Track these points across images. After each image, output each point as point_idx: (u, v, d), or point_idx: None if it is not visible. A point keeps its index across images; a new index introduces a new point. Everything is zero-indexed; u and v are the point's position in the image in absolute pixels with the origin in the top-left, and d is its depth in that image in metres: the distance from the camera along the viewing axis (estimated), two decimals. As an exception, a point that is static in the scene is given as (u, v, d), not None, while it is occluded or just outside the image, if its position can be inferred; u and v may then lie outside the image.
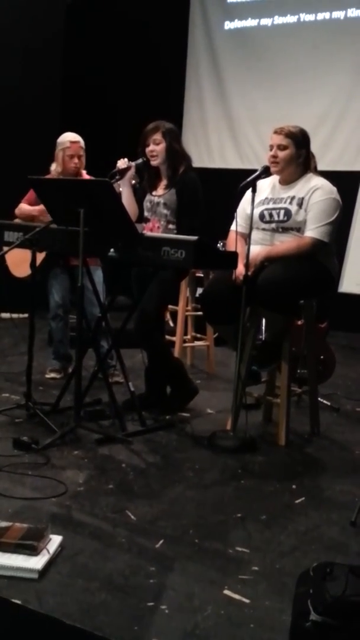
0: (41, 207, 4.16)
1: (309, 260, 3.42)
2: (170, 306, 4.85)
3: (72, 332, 4.41)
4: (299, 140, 3.50)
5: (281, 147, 3.48)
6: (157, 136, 3.78)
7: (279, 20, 7.21)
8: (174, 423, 3.73)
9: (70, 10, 7.02)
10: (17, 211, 4.44)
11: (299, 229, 3.45)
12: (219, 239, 4.76)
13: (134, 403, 3.63)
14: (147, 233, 3.67)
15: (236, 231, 3.60)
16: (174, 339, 4.91)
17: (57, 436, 3.25)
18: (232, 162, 7.45)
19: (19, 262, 4.21)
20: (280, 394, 3.60)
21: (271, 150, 3.51)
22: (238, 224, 3.61)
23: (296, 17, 7.11)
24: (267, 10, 7.24)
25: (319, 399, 3.92)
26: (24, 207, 4.41)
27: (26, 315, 3.78)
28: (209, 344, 5.03)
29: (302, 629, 1.80)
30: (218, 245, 4.81)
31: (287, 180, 3.55)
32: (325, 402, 4.19)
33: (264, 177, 3.55)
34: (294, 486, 3.00)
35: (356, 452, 3.52)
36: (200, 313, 4.15)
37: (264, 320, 4.07)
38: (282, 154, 3.47)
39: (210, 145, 7.65)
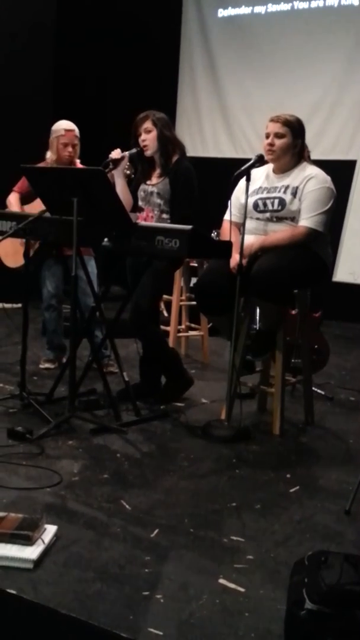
0: (29, 205, 4.18)
1: (303, 249, 3.42)
2: (164, 296, 4.84)
3: (66, 322, 4.40)
4: (296, 129, 3.48)
5: (278, 135, 3.46)
6: (148, 124, 3.76)
7: (272, 7, 7.18)
8: (169, 413, 3.73)
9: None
10: (7, 201, 4.42)
11: (293, 218, 3.44)
12: (213, 229, 4.74)
13: (129, 393, 3.63)
14: (141, 222, 3.65)
15: (230, 220, 3.58)
16: (168, 328, 4.91)
17: (52, 426, 3.25)
18: (226, 151, 7.43)
19: (12, 252, 4.20)
20: (274, 384, 3.60)
21: (267, 138, 3.49)
22: (232, 214, 3.59)
23: (290, 4, 7.08)
24: (260, -2, 7.21)
25: (313, 388, 3.93)
26: (12, 202, 4.37)
27: (20, 305, 3.77)
28: (203, 334, 5.03)
29: (297, 617, 1.80)
30: (212, 234, 4.80)
31: (282, 169, 3.54)
32: (319, 391, 4.20)
33: (258, 166, 3.53)
34: (288, 475, 3.01)
35: (350, 441, 3.53)
36: (194, 303, 4.14)
37: (258, 310, 4.07)
38: (279, 142, 3.46)
39: (204, 134, 7.62)
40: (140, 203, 3.87)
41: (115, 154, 3.76)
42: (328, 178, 3.48)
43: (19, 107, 6.41)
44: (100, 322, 3.86)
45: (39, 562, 2.12)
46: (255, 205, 3.51)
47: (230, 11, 7.42)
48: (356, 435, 3.60)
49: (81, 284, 3.73)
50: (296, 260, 3.38)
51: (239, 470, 3.04)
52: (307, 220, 3.40)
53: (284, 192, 3.46)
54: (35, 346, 4.55)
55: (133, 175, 3.88)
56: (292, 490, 2.86)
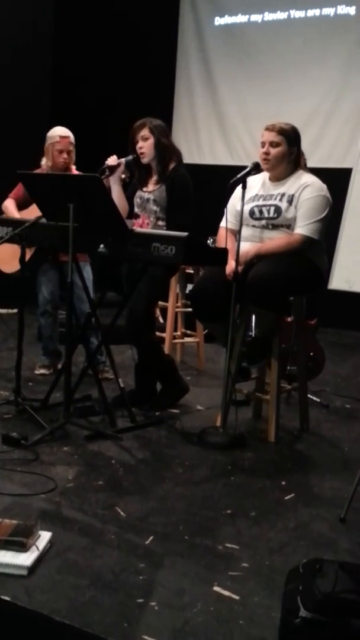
0: (26, 211, 4.19)
1: (298, 257, 3.42)
2: (160, 302, 4.84)
3: (62, 328, 4.40)
4: (291, 137, 3.49)
5: (273, 144, 3.47)
6: (145, 132, 3.77)
7: (269, 16, 7.21)
8: (164, 419, 3.73)
9: (59, 5, 6.98)
10: (3, 207, 4.42)
11: (289, 225, 3.45)
12: (209, 236, 4.76)
13: (124, 399, 3.63)
14: (137, 229, 3.66)
15: (226, 227, 3.59)
16: (164, 335, 4.91)
17: (47, 432, 3.25)
18: (222, 158, 7.45)
19: (8, 257, 4.20)
20: (269, 391, 3.60)
21: (263, 147, 3.50)
22: (228, 221, 3.60)
23: (286, 13, 7.11)
24: (257, 6, 7.24)
25: (309, 395, 3.93)
26: (9, 208, 4.38)
27: (15, 311, 3.77)
28: (198, 341, 5.03)
29: (291, 625, 1.80)
30: (208, 241, 4.81)
31: (278, 177, 3.55)
32: (314, 398, 4.20)
33: (254, 174, 3.54)
34: (283, 482, 3.01)
35: (345, 448, 3.54)
36: (190, 309, 4.15)
37: (253, 317, 4.08)
38: (274, 151, 3.47)
39: (200, 142, 7.64)
40: (136, 210, 3.88)
41: (112, 160, 3.77)
42: (324, 186, 3.49)
43: (16, 113, 6.42)
44: (95, 329, 3.86)
45: (33, 568, 2.11)
46: (252, 213, 3.52)
47: (227, 19, 7.45)
48: (351, 443, 3.60)
49: (77, 290, 3.73)
50: (292, 267, 3.39)
51: (234, 477, 3.04)
52: (303, 228, 3.41)
53: (280, 199, 3.47)
54: (31, 352, 4.54)
55: (128, 180, 3.89)
56: (287, 498, 2.85)
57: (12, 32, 6.51)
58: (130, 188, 3.90)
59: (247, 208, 3.50)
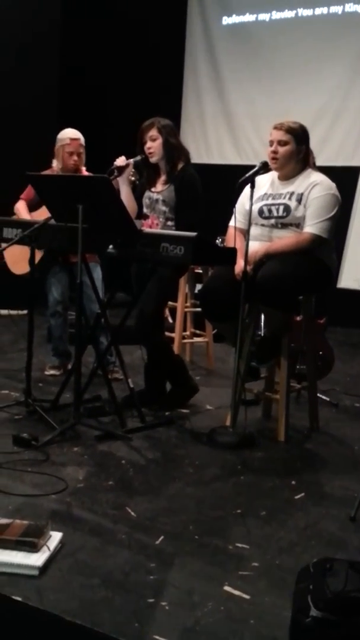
0: (36, 213, 4.21)
1: (308, 256, 3.42)
2: (169, 302, 4.84)
3: (71, 329, 4.41)
4: (300, 136, 3.49)
5: (282, 143, 3.47)
6: (153, 132, 3.77)
7: (276, 15, 7.19)
8: (174, 419, 3.73)
9: (67, 6, 7.00)
10: (15, 209, 4.44)
11: (298, 224, 3.45)
12: (218, 235, 4.76)
13: (134, 399, 3.63)
14: (146, 229, 3.66)
15: (235, 227, 3.59)
16: (173, 335, 4.91)
17: (57, 433, 3.25)
18: (231, 157, 7.44)
19: (18, 259, 4.21)
20: (279, 390, 3.60)
21: (271, 145, 3.50)
22: (237, 220, 3.60)
23: (294, 12, 7.09)
24: (265, 5, 7.22)
25: (318, 394, 3.92)
26: (21, 210, 4.39)
27: (25, 312, 3.78)
28: (208, 340, 5.03)
29: (302, 624, 1.80)
30: (217, 241, 4.81)
31: (287, 176, 3.55)
32: (324, 397, 4.19)
33: (262, 173, 3.54)
34: (293, 482, 3.01)
35: (355, 447, 3.53)
36: (199, 309, 4.15)
37: (262, 316, 4.07)
38: (282, 150, 3.47)
39: (209, 141, 7.63)
40: (145, 210, 3.88)
41: (120, 161, 3.78)
42: (333, 185, 3.49)
43: (25, 114, 6.43)
44: (105, 329, 3.87)
45: (44, 569, 2.12)
46: (260, 212, 3.52)
47: (235, 19, 7.44)
48: (361, 442, 3.60)
49: (86, 290, 3.74)
50: (301, 266, 3.38)
51: (243, 476, 3.04)
52: (312, 226, 3.41)
53: (289, 198, 3.47)
54: (41, 353, 4.55)
55: (137, 182, 3.90)
56: (297, 497, 2.85)
57: (19, 34, 6.53)
58: (139, 188, 3.91)
59: (256, 207, 3.50)
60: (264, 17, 7.27)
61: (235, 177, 3.45)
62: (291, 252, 3.40)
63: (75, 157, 4.32)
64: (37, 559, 2.13)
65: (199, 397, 4.04)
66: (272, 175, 3.61)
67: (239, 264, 3.36)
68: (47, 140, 4.50)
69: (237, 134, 7.44)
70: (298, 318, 3.83)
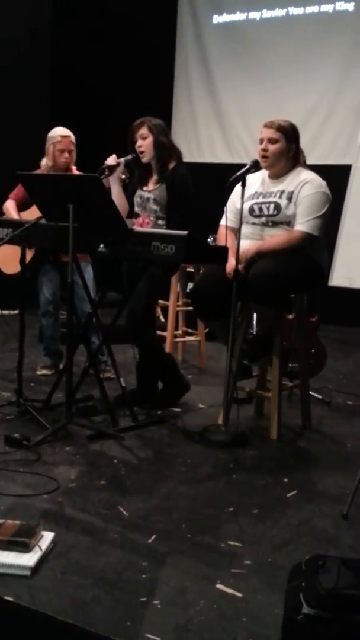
0: (26, 212, 4.21)
1: (299, 254, 3.42)
2: (161, 301, 4.84)
3: (63, 329, 4.40)
4: (290, 134, 3.49)
5: (272, 141, 3.47)
6: (144, 131, 3.77)
7: (267, 13, 7.20)
8: (166, 418, 3.73)
9: (58, 4, 6.98)
10: (3, 208, 4.43)
11: (289, 222, 3.45)
12: (209, 234, 4.76)
13: (126, 398, 3.63)
14: (137, 228, 3.66)
15: (226, 226, 3.59)
16: (165, 334, 4.91)
17: (49, 432, 3.25)
18: (222, 156, 7.44)
19: (8, 259, 4.20)
20: (271, 388, 3.61)
21: (261, 143, 3.50)
22: (228, 219, 3.60)
23: (285, 10, 7.10)
24: (255, 4, 7.23)
25: (310, 392, 3.93)
26: (9, 209, 4.38)
27: (16, 311, 3.77)
28: (200, 339, 5.03)
29: (294, 622, 1.80)
30: (208, 240, 4.81)
31: (277, 175, 3.55)
32: (316, 395, 4.20)
33: (253, 172, 3.54)
34: (285, 480, 3.01)
35: (347, 445, 3.54)
36: (191, 308, 4.15)
37: (254, 315, 4.08)
38: (272, 148, 3.47)
39: (200, 140, 7.63)
40: (136, 209, 3.88)
41: (111, 160, 3.77)
42: (323, 183, 3.49)
43: (16, 112, 6.41)
44: (96, 328, 3.87)
45: (36, 568, 2.12)
46: (251, 210, 3.52)
47: (225, 17, 7.44)
48: (354, 439, 3.60)
49: (78, 290, 3.74)
50: (292, 264, 3.39)
51: (236, 475, 3.04)
52: (303, 224, 3.41)
53: (280, 196, 3.47)
54: (32, 352, 4.55)
55: (128, 180, 3.89)
56: (289, 495, 2.86)
57: (11, 32, 6.51)
58: (130, 187, 3.90)
59: (246, 206, 3.50)
60: (254, 15, 7.27)
61: (226, 176, 3.44)
62: (282, 250, 3.40)
63: (66, 155, 4.32)
64: (29, 559, 2.13)
65: (191, 395, 4.04)
66: (263, 174, 3.61)
67: (231, 263, 3.36)
68: (38, 140, 4.48)
69: (228, 133, 7.45)
70: (290, 316, 3.83)
